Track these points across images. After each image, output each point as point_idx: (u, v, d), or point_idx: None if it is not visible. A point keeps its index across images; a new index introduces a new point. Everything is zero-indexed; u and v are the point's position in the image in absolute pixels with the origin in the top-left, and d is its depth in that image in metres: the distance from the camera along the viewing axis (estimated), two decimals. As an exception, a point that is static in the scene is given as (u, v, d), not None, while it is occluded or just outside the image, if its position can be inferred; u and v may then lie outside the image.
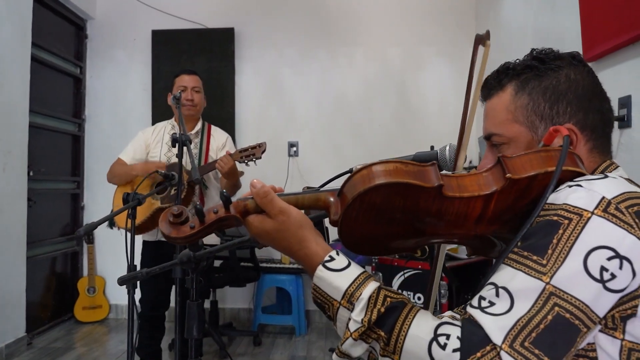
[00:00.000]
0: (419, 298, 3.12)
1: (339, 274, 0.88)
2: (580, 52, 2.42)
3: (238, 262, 4.03)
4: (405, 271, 3.23)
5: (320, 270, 0.89)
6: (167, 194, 2.82)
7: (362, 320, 0.83)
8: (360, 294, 0.85)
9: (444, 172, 0.90)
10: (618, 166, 0.98)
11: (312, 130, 4.73)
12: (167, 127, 3.16)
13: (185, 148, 2.31)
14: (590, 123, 0.97)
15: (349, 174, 0.88)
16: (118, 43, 4.83)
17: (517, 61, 1.02)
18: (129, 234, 2.27)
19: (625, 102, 2.15)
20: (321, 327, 4.52)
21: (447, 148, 1.05)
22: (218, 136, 3.23)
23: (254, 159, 2.85)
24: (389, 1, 4.73)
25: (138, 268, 2.93)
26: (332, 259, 0.90)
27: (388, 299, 0.85)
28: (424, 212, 0.87)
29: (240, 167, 3.01)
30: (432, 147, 1.24)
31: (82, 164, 4.83)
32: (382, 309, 0.83)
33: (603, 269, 0.76)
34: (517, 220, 0.87)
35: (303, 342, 4.12)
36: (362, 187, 0.84)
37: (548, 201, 0.82)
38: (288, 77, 4.76)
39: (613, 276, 0.76)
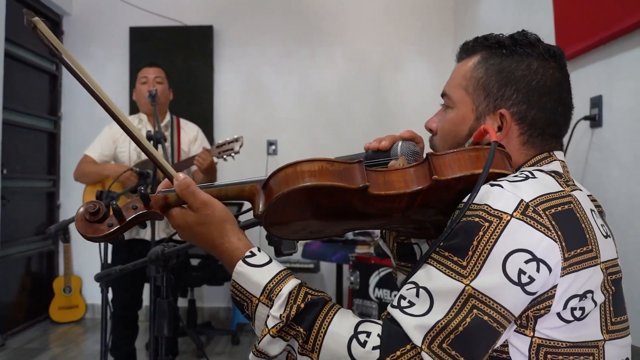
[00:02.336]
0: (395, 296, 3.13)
1: (259, 269, 0.87)
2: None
3: (216, 260, 4.00)
4: (381, 269, 3.24)
5: (240, 266, 0.88)
6: (143, 192, 2.78)
7: (280, 315, 0.83)
8: (280, 289, 0.84)
9: (374, 167, 0.91)
10: (555, 160, 0.97)
11: (291, 128, 4.71)
12: (134, 121, 3.12)
13: (159, 145, 2.28)
14: (532, 118, 0.96)
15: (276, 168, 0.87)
16: (95, 40, 4.76)
17: (497, 35, 1.02)
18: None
19: (597, 102, 2.19)
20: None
21: (400, 144, 1.05)
22: (188, 129, 3.19)
23: (232, 154, 2.82)
24: (368, 1, 4.74)
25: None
26: (252, 254, 0.89)
27: (309, 296, 0.85)
28: (350, 207, 0.88)
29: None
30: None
31: (58, 162, 4.76)
32: (302, 305, 0.83)
33: (521, 271, 0.77)
34: (448, 206, 0.88)
35: (281, 341, 4.11)
36: (286, 187, 0.83)
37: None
38: (267, 76, 4.74)
39: (531, 279, 0.78)
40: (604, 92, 2.16)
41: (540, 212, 0.80)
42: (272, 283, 0.85)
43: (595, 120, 2.19)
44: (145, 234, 2.87)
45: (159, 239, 2.92)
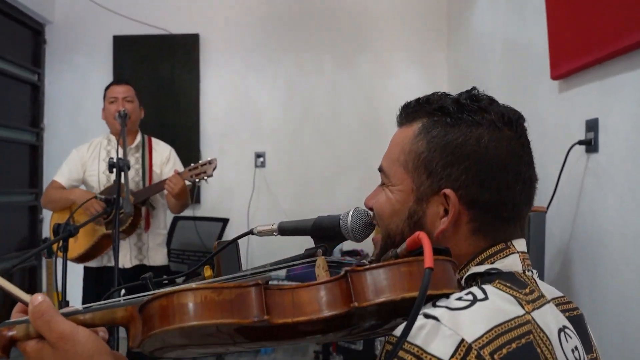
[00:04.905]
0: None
1: None
2: (548, 68, 2.31)
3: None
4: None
5: None
6: (113, 218, 2.64)
7: None
8: None
9: (278, 283, 0.74)
10: (513, 252, 0.79)
11: (279, 139, 4.57)
12: (104, 142, 2.96)
13: (122, 173, 2.14)
14: (483, 201, 0.78)
15: (153, 294, 0.69)
16: (78, 48, 4.63)
17: (444, 96, 0.85)
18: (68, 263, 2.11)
19: (593, 125, 2.03)
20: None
21: (350, 214, 0.89)
22: (160, 149, 3.02)
23: (204, 177, 2.67)
24: (357, 7, 4.59)
25: (80, 293, 2.78)
26: None
27: None
28: (254, 335, 0.71)
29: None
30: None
31: (41, 174, 4.62)
32: None
33: None
34: (381, 317, 0.72)
35: (269, 361, 3.99)
36: (160, 326, 0.65)
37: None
38: (254, 85, 4.60)
39: None
40: (600, 115, 2.01)
41: (486, 357, 0.62)
42: None
43: (590, 145, 2.03)
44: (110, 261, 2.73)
45: (131, 266, 2.78)
